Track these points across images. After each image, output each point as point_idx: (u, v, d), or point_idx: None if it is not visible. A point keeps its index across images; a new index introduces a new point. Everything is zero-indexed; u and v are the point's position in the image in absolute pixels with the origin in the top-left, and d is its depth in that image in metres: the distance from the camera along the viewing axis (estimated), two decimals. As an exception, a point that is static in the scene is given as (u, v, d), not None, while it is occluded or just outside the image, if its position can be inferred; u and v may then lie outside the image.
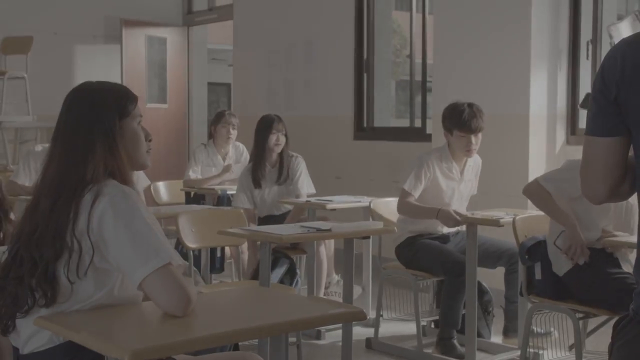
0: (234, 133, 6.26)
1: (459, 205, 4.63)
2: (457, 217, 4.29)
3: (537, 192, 3.82)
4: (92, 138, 2.21)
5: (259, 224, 5.24)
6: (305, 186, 5.45)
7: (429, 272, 4.51)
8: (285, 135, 5.34)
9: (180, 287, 2.10)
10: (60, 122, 2.28)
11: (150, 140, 2.37)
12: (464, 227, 4.64)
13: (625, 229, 3.84)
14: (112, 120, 2.24)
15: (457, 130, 4.45)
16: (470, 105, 4.50)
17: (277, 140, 5.30)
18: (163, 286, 2.09)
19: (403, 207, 4.52)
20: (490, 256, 4.48)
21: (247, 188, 5.36)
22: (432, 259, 4.47)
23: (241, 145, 6.45)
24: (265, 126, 5.32)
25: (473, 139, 4.47)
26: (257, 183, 5.33)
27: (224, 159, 6.32)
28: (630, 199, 3.77)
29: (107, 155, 2.21)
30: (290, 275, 4.81)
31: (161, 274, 2.09)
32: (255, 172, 5.32)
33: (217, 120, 6.31)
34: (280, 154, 5.37)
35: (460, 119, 4.42)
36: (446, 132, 4.54)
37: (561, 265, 3.76)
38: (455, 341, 4.34)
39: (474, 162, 4.73)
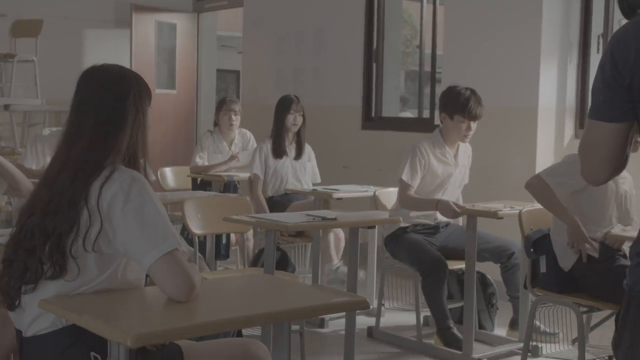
0: (236, 119, 6.27)
1: (452, 192, 4.64)
2: (456, 208, 4.30)
3: (539, 186, 3.82)
4: (126, 117, 2.25)
5: None
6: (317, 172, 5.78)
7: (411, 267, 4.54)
8: (303, 116, 5.59)
9: (185, 273, 2.12)
10: (93, 100, 2.27)
11: None
12: (458, 221, 4.65)
13: (626, 218, 3.87)
14: (145, 104, 2.31)
15: (460, 116, 4.46)
16: (473, 91, 4.52)
17: (294, 120, 5.55)
18: (168, 271, 2.11)
19: (405, 201, 4.53)
20: (479, 253, 4.45)
21: (262, 155, 5.55)
22: (410, 256, 4.49)
23: (248, 133, 6.46)
24: (283, 106, 5.59)
25: (472, 125, 4.49)
26: (277, 154, 5.55)
27: (229, 146, 6.33)
28: (629, 189, 3.81)
29: (133, 141, 2.27)
30: (283, 266, 4.84)
31: (167, 259, 2.11)
32: (276, 144, 5.56)
33: (219, 108, 6.35)
34: (298, 133, 5.63)
35: (467, 106, 4.44)
36: (445, 115, 4.55)
37: (568, 260, 3.76)
38: (454, 331, 4.35)
39: (466, 148, 4.75)
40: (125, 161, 2.28)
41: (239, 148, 6.34)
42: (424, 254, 4.43)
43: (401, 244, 4.55)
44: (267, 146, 5.57)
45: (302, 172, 5.62)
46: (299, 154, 5.62)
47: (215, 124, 6.39)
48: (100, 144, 2.23)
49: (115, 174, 2.18)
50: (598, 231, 3.77)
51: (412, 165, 4.51)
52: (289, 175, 5.56)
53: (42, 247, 2.15)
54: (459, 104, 4.46)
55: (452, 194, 4.63)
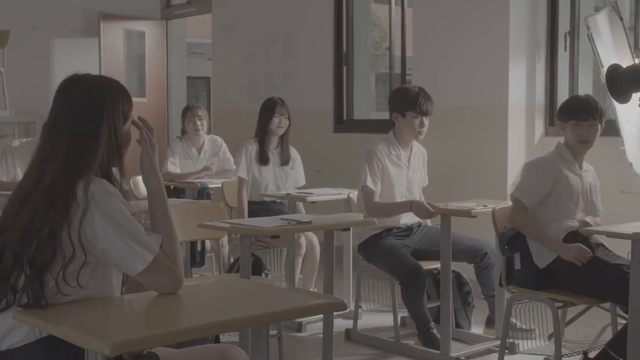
0: (201, 124, 6.26)
1: (413, 195, 4.63)
2: (430, 208, 4.31)
3: (522, 216, 3.79)
4: (100, 141, 2.23)
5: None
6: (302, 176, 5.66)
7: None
8: (288, 119, 5.46)
9: (170, 271, 2.23)
10: (67, 119, 2.24)
11: None
12: (427, 221, 4.66)
13: (592, 210, 3.93)
14: (119, 125, 2.27)
15: (412, 112, 4.49)
16: (421, 88, 4.56)
17: (279, 123, 5.42)
18: (157, 274, 2.21)
19: (373, 209, 4.47)
20: (453, 253, 4.45)
21: (248, 157, 5.44)
22: (387, 264, 4.47)
23: (219, 139, 6.45)
24: (268, 109, 5.45)
25: (425, 121, 4.50)
26: (262, 160, 5.43)
27: (199, 152, 6.31)
28: (592, 181, 3.87)
29: (106, 158, 2.26)
30: (257, 271, 4.82)
31: (153, 266, 2.19)
32: (261, 150, 5.43)
33: (184, 116, 6.35)
34: (282, 137, 5.50)
35: (417, 101, 4.48)
36: (397, 115, 4.56)
37: (544, 258, 3.77)
38: (434, 331, 4.37)
39: (420, 151, 4.75)
40: (98, 173, 2.26)
41: (209, 154, 6.32)
42: (401, 262, 4.40)
43: (377, 251, 4.52)
44: (253, 148, 5.45)
45: (284, 179, 5.52)
46: (285, 160, 5.52)
47: (183, 132, 6.37)
48: (74, 165, 2.20)
49: (88, 188, 2.16)
50: (574, 221, 3.82)
51: (372, 171, 4.50)
52: (270, 183, 5.48)
53: (17, 276, 2.12)
54: (408, 100, 4.50)
55: (414, 197, 4.63)
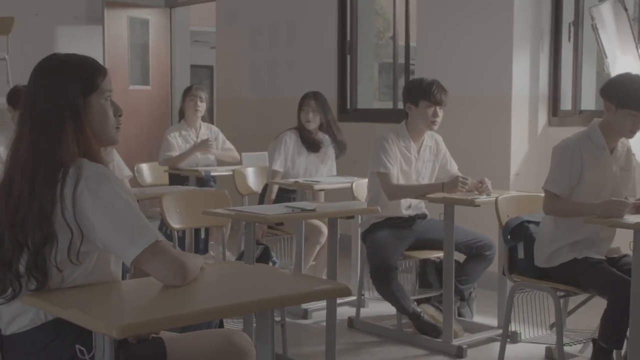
0: (201, 105, 6.27)
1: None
2: (464, 180, 4.33)
3: (552, 204, 3.70)
4: (62, 116, 2.18)
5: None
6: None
7: None
8: (320, 111, 5.49)
9: (174, 260, 2.14)
10: (27, 97, 2.23)
11: (120, 116, 2.32)
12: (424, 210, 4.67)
13: (617, 193, 3.76)
14: (77, 97, 2.20)
15: (425, 100, 4.46)
16: (436, 80, 4.54)
17: (306, 118, 5.46)
18: (157, 262, 2.13)
19: (400, 192, 4.47)
20: (457, 245, 4.45)
21: (286, 151, 5.44)
22: (368, 256, 4.50)
23: (216, 129, 6.45)
24: (299, 104, 5.51)
25: (439, 111, 4.48)
26: (308, 147, 5.49)
27: (196, 135, 6.31)
28: (626, 162, 3.70)
29: (78, 134, 2.19)
30: (264, 260, 4.84)
31: (152, 251, 2.12)
32: (301, 141, 5.48)
33: (185, 95, 6.33)
34: (329, 129, 5.56)
35: (430, 90, 4.45)
36: (410, 105, 4.53)
37: (543, 260, 3.77)
38: (426, 318, 4.40)
39: (431, 142, 4.68)
40: (80, 152, 2.19)
41: (205, 138, 6.32)
42: (374, 256, 4.42)
43: (371, 240, 4.52)
44: (291, 140, 5.45)
45: (313, 173, 5.51)
46: (315, 147, 5.52)
47: (181, 114, 6.34)
48: (47, 140, 2.16)
49: (79, 171, 2.13)
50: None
51: (385, 154, 4.46)
52: (299, 175, 5.47)
53: (17, 260, 2.12)
54: (422, 90, 4.47)
55: None
